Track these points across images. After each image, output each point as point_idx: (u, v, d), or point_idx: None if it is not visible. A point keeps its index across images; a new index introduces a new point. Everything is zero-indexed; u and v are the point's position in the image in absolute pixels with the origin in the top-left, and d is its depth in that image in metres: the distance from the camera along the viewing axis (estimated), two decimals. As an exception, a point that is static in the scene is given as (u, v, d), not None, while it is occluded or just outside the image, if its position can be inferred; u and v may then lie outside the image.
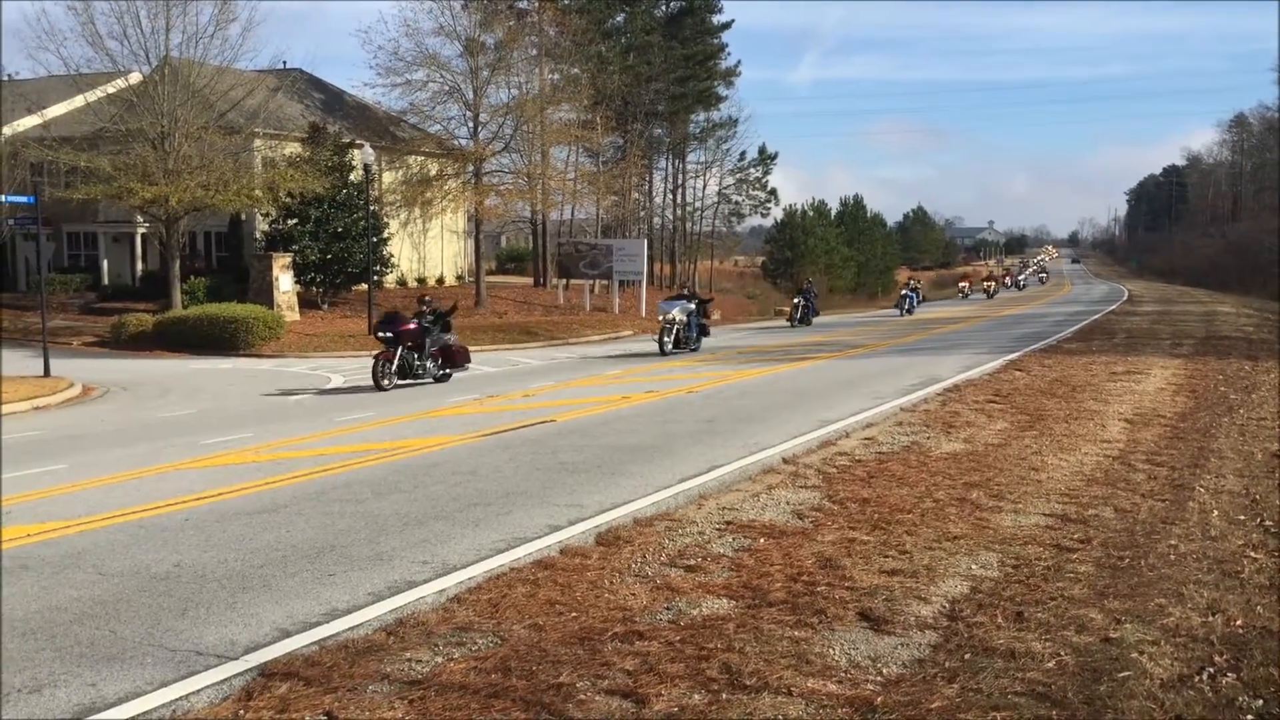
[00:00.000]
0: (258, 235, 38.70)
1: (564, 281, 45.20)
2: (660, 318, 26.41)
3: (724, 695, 5.06)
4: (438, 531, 8.30)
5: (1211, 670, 5.30)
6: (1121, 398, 15.36)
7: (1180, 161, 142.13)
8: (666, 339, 25.54)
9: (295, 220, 36.46)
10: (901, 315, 42.81)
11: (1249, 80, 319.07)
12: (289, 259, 35.52)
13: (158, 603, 6.63)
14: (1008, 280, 77.07)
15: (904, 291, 46.80)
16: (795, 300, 38.86)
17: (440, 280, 47.91)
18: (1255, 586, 6.71)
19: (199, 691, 5.24)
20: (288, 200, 35.41)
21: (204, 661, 5.63)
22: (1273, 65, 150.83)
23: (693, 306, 26.34)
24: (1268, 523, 8.31)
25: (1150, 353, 22.57)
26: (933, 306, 52.28)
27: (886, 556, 7.39)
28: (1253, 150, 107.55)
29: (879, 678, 5.31)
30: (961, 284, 69.77)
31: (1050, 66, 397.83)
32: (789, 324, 37.53)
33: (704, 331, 26.99)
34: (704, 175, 64.71)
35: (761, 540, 7.85)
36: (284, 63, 39.71)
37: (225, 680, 5.38)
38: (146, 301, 35.87)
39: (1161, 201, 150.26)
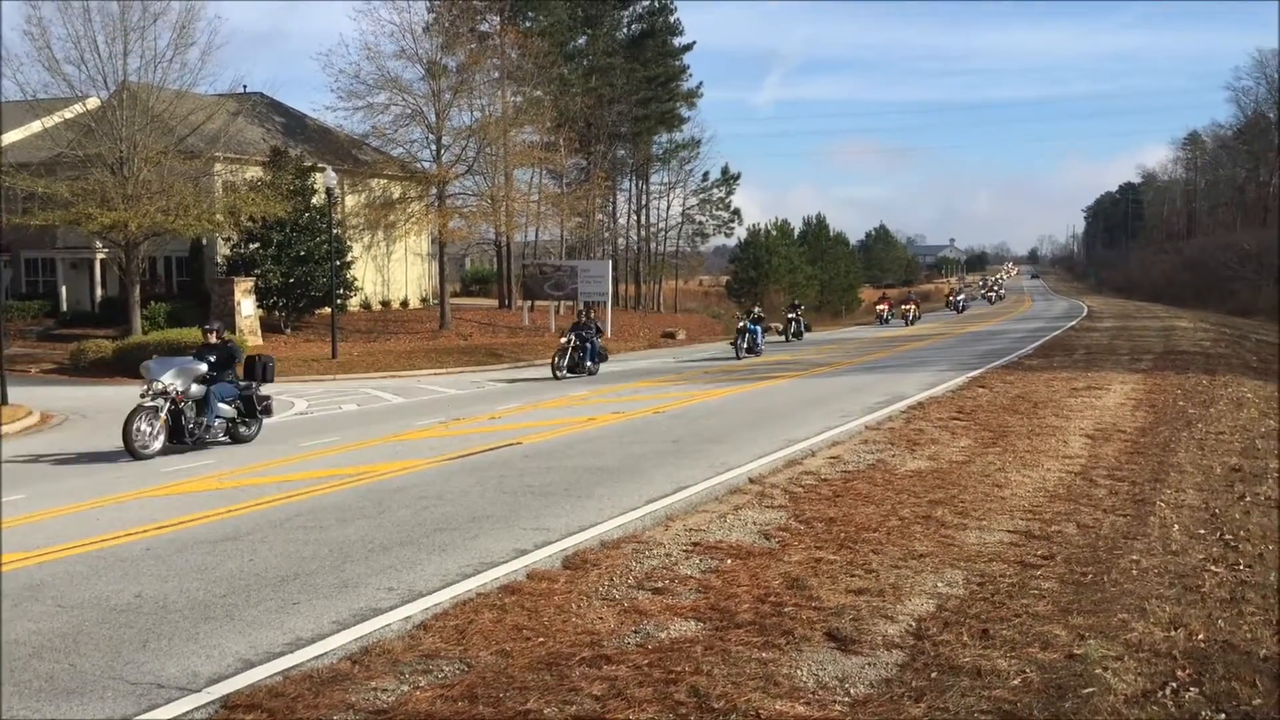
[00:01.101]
0: (219, 260, 38.46)
1: (529, 303, 45.19)
2: (144, 389, 14.36)
3: (692, 718, 5.05)
4: (404, 558, 8.24)
5: (1174, 685, 5.35)
6: (1082, 413, 15.52)
7: (1136, 179, 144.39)
8: (146, 427, 13.95)
9: (257, 244, 36.28)
10: (739, 359, 30.53)
11: (1203, 99, 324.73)
12: (251, 283, 35.30)
13: (118, 635, 6.53)
14: (950, 299, 68.87)
15: (742, 324, 32.72)
16: (564, 340, 26.19)
17: (405, 303, 47.75)
18: (1216, 600, 6.78)
19: (161, 725, 5.17)
20: (249, 224, 35.21)
21: (165, 694, 5.55)
22: (1227, 84, 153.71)
23: (203, 368, 14.70)
24: (1228, 537, 8.41)
25: (1110, 368, 22.83)
26: (824, 337, 42.67)
27: (853, 576, 7.41)
28: (1206, 168, 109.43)
29: (846, 698, 5.32)
30: (880, 306, 54.66)
31: (1013, 86, 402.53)
32: (553, 375, 25.26)
33: (255, 408, 15.36)
34: (668, 196, 65.20)
35: (729, 561, 7.86)
36: (244, 86, 39.61)
37: (187, 713, 5.31)
38: (106, 328, 35.50)
39: (1118, 218, 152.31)
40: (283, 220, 35.52)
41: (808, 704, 5.23)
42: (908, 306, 52.98)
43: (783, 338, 39.57)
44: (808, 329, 41.52)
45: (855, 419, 15.57)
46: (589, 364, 25.97)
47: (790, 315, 41.33)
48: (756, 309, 35.69)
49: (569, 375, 25.37)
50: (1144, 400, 17.01)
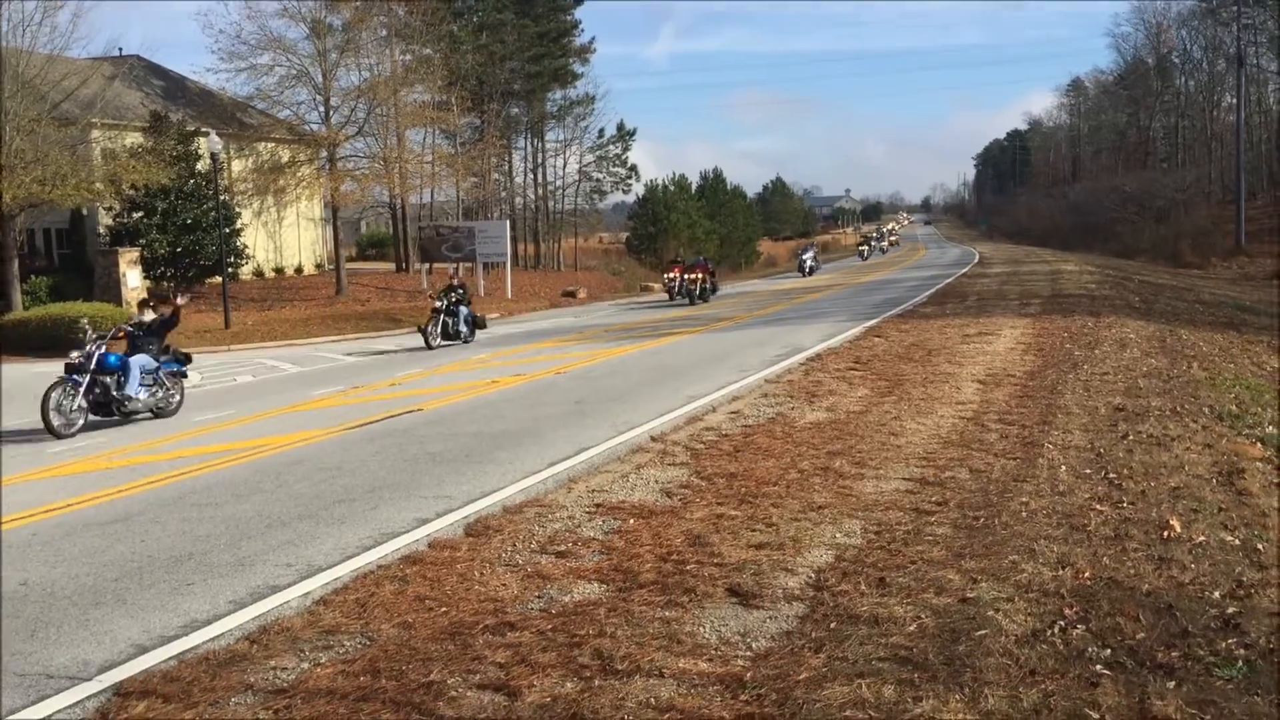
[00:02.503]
0: (101, 230, 37.10)
1: (427, 266, 44.53)
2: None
3: (596, 682, 5.07)
4: (302, 532, 8.11)
5: (1062, 624, 5.53)
6: (974, 359, 15.88)
7: (1023, 126, 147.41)
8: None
9: (141, 213, 35.07)
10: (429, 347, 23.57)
11: (1086, 46, 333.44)
12: (136, 254, 34.15)
13: (3, 625, 6.32)
14: (800, 256, 53.37)
15: (434, 297, 25.86)
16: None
17: (299, 269, 46.75)
18: (1101, 539, 7.02)
19: (50, 717, 5.04)
20: (132, 193, 34.02)
21: (55, 685, 5.40)
22: (1107, 30, 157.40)
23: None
24: (1112, 475, 8.70)
25: (1000, 313, 23.37)
26: (516, 324, 31.81)
27: (754, 530, 7.50)
28: (1089, 113, 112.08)
29: (749, 653, 5.39)
30: (669, 276, 36.46)
31: (907, 37, 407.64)
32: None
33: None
34: (564, 153, 64.53)
35: (631, 521, 7.89)
36: (120, 49, 38.25)
37: (78, 703, 5.18)
38: (-17, 304, 34.09)
39: (1007, 165, 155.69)
40: (167, 187, 34.39)
41: (710, 661, 5.29)
42: (694, 276, 35.01)
43: (455, 340, 24.25)
44: (481, 324, 25.60)
45: (755, 373, 15.72)
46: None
47: (439, 304, 24.41)
48: (453, 270, 29.03)
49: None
50: (1032, 345, 17.46)
